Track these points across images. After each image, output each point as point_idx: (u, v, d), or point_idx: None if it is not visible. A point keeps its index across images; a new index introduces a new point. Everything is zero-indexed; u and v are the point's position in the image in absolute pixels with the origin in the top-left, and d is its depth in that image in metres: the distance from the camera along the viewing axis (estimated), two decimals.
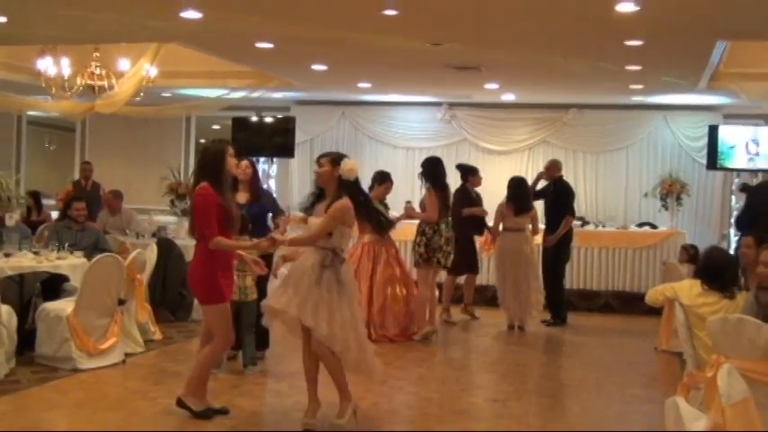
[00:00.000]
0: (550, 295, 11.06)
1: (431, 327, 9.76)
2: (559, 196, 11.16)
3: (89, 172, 13.55)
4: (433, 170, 9.87)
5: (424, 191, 9.92)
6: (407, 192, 10.76)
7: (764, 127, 13.20)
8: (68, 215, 9.60)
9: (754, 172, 12.61)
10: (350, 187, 6.07)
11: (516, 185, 10.81)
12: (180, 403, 6.21)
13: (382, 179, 9.88)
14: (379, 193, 9.76)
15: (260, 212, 8.41)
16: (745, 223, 9.02)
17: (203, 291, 6.27)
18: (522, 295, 10.56)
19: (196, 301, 10.29)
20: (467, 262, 10.86)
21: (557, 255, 11.04)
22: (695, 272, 6.17)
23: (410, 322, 9.92)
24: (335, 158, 6.14)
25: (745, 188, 10.85)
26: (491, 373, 8.68)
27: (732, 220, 12.34)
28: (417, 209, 10.13)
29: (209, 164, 6.27)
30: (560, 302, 11.19)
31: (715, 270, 6.07)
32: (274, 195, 15.49)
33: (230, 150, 6.34)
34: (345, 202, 6.00)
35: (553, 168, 11.40)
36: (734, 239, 12.44)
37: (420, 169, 10.03)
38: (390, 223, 6.51)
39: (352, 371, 6.12)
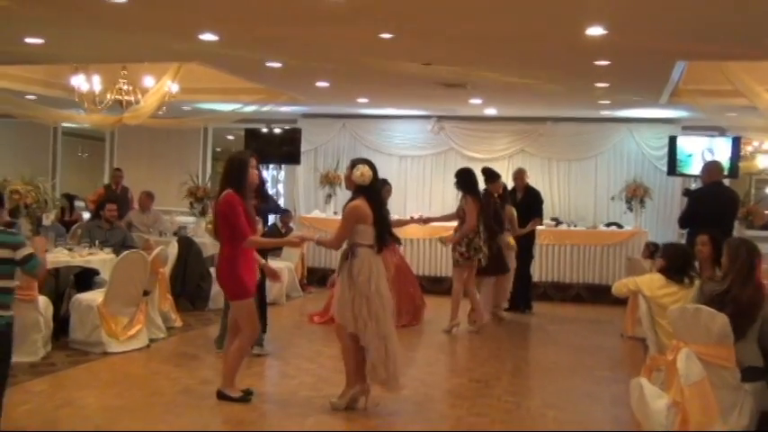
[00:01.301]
0: (521, 287, 11.21)
1: (457, 320, 9.69)
2: (530, 203, 11.31)
3: (119, 177, 13.59)
4: (468, 180, 9.71)
5: (460, 198, 9.72)
6: (400, 195, 10.67)
7: (719, 137, 13.20)
8: (101, 215, 9.60)
9: None
10: (364, 191, 6.02)
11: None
12: (220, 395, 6.18)
13: (382, 185, 9.84)
14: (383, 196, 9.75)
15: (265, 212, 8.44)
16: (685, 221, 9.30)
17: (231, 288, 6.23)
18: (498, 287, 10.56)
19: (212, 292, 10.36)
20: (500, 262, 10.37)
21: (527, 254, 11.18)
22: (661, 268, 6.18)
23: (416, 310, 10.10)
24: (352, 164, 6.11)
25: (687, 192, 11.00)
26: (475, 357, 8.67)
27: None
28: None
29: (235, 173, 6.22)
30: (528, 294, 11.37)
31: (674, 262, 6.11)
32: (282, 198, 15.76)
33: (253, 162, 6.33)
34: (354, 203, 5.97)
35: (520, 178, 11.44)
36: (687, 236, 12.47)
37: (454, 179, 9.87)
38: (389, 237, 6.30)
39: (369, 373, 5.98)
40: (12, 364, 5.29)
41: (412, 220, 9.96)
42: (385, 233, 6.05)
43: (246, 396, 6.17)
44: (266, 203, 8.44)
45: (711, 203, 8.85)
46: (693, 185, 12.25)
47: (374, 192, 6.08)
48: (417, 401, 6.50)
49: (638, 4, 6.31)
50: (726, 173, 12.85)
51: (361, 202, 5.95)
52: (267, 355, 7.90)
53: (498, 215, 10.21)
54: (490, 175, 10.41)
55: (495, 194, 10.35)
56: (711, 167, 9.59)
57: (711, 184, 9.22)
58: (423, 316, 10.26)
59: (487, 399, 6.65)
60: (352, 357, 6.05)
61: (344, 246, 6.09)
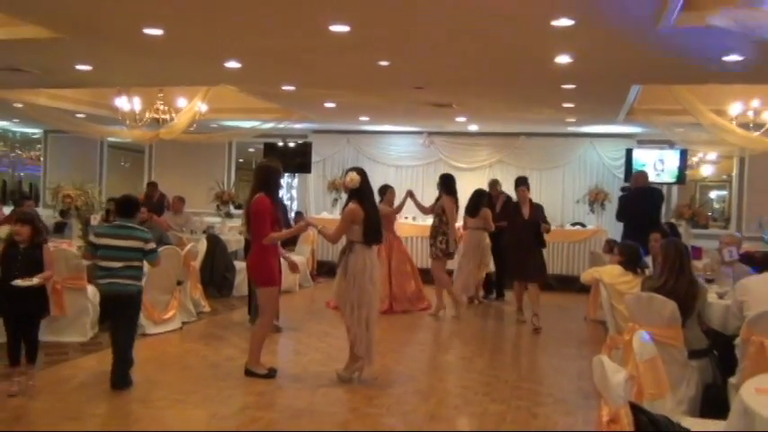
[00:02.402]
0: (496, 278, 11.25)
1: (443, 305, 9.65)
2: (505, 208, 11.24)
3: (152, 190, 13.49)
4: (448, 184, 9.76)
5: (439, 198, 9.79)
6: (396, 199, 10.64)
7: (668, 150, 13.20)
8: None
9: (660, 185, 12.58)
10: (356, 194, 6.01)
11: (470, 197, 10.73)
12: (247, 372, 6.16)
13: (385, 190, 9.87)
14: (389, 199, 9.83)
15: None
16: (618, 216, 10.19)
17: (259, 276, 6.21)
18: (476, 275, 10.55)
19: (236, 282, 10.36)
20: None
21: (500, 250, 11.10)
22: (619, 262, 6.23)
23: (417, 298, 10.03)
24: (345, 173, 6.13)
25: (624, 189, 11.29)
26: (459, 337, 8.67)
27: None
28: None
29: (267, 179, 6.21)
30: (502, 284, 11.29)
31: (629, 257, 6.20)
32: (296, 201, 15.78)
33: (281, 170, 6.37)
34: (350, 207, 5.97)
35: (493, 187, 11.42)
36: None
37: (437, 182, 9.99)
38: (379, 241, 6.26)
39: (352, 348, 6.07)
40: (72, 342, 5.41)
41: (407, 197, 9.94)
42: (374, 230, 6.01)
43: (272, 373, 6.16)
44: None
45: (637, 204, 9.74)
46: (625, 184, 12.29)
47: (365, 194, 6.05)
48: (411, 375, 6.51)
49: (599, 38, 6.32)
50: (674, 180, 12.96)
51: (355, 207, 5.94)
52: (280, 330, 7.96)
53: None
54: (522, 181, 9.40)
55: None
56: (638, 176, 10.42)
57: (637, 189, 10.04)
58: (425, 303, 10.12)
59: (471, 373, 6.65)
60: (353, 334, 6.07)
61: (344, 242, 6.10)
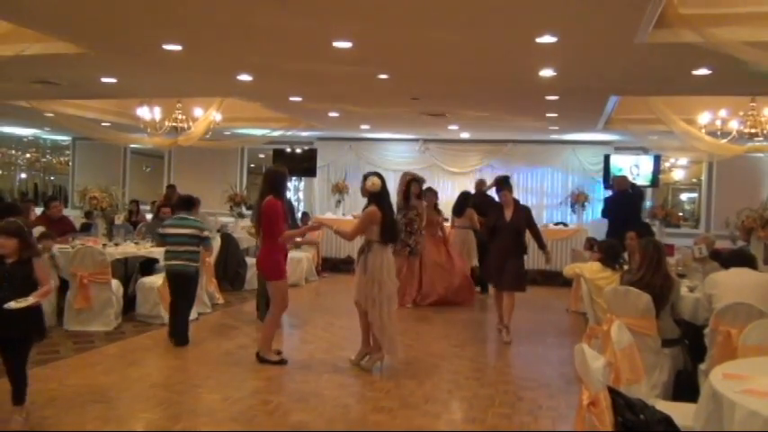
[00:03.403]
0: (482, 274, 11.07)
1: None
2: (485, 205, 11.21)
3: (171, 192, 13.51)
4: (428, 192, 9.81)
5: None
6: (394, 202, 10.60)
7: (643, 156, 13.21)
8: (159, 216, 9.62)
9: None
10: (376, 197, 5.98)
11: (456, 199, 10.67)
12: (259, 358, 6.16)
13: (427, 191, 9.86)
14: (431, 201, 9.83)
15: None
16: (603, 214, 10.45)
17: (269, 271, 6.22)
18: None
19: (248, 276, 10.35)
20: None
21: (485, 247, 11.05)
22: (599, 258, 6.23)
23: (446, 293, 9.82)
24: (365, 176, 6.07)
25: (610, 188, 11.58)
26: (452, 327, 8.66)
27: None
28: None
29: (276, 183, 6.21)
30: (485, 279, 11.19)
31: (608, 254, 6.19)
32: (302, 203, 15.77)
33: (287, 175, 6.37)
34: (370, 209, 5.95)
35: (479, 185, 11.39)
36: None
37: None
38: (395, 240, 6.23)
39: (375, 340, 6.07)
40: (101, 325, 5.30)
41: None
42: (391, 230, 6.00)
43: (283, 360, 6.16)
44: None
45: (620, 206, 9.92)
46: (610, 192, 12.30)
47: (383, 198, 6.02)
48: (408, 362, 6.50)
49: (579, 54, 6.32)
50: (648, 183, 12.97)
51: (374, 209, 5.93)
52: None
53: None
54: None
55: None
56: (618, 180, 10.58)
57: (619, 192, 10.21)
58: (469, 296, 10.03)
59: (463, 360, 6.65)
60: (363, 326, 6.13)
61: (362, 242, 6.07)
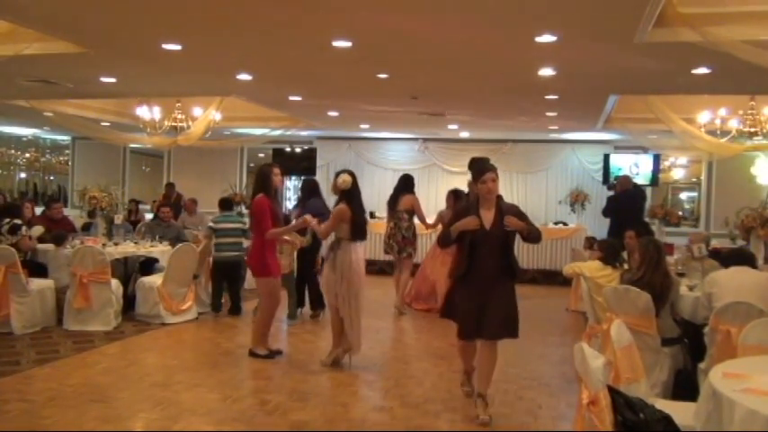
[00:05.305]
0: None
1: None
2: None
3: (169, 191, 13.56)
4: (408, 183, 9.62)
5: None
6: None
7: (643, 155, 13.21)
8: (158, 216, 9.62)
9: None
10: (346, 195, 5.99)
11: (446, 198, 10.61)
12: (251, 353, 6.24)
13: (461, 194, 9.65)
14: (450, 203, 9.60)
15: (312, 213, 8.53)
16: (605, 213, 10.57)
17: (257, 267, 6.29)
18: None
19: (248, 275, 10.32)
20: None
21: None
22: (599, 257, 6.24)
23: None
24: (337, 174, 6.10)
25: (611, 187, 11.54)
26: (452, 326, 8.63)
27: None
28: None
29: (262, 181, 6.32)
30: None
31: (608, 253, 6.20)
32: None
33: (275, 170, 6.39)
34: (339, 207, 5.96)
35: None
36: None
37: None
38: (363, 237, 6.00)
39: (348, 335, 6.04)
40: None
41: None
42: (360, 228, 5.98)
43: (272, 354, 6.21)
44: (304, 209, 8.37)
45: (623, 205, 10.00)
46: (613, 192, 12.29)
47: (354, 196, 6.02)
48: (406, 361, 6.51)
49: (579, 53, 6.31)
50: (648, 182, 12.96)
51: (344, 207, 5.93)
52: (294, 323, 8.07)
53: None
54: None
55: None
56: (622, 180, 10.67)
57: (622, 191, 10.30)
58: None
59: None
60: (335, 325, 6.11)
61: (332, 239, 6.08)
